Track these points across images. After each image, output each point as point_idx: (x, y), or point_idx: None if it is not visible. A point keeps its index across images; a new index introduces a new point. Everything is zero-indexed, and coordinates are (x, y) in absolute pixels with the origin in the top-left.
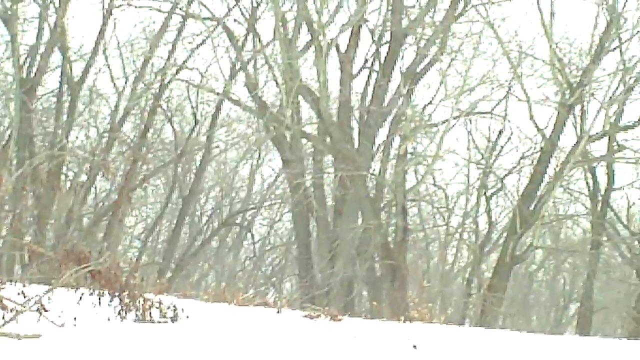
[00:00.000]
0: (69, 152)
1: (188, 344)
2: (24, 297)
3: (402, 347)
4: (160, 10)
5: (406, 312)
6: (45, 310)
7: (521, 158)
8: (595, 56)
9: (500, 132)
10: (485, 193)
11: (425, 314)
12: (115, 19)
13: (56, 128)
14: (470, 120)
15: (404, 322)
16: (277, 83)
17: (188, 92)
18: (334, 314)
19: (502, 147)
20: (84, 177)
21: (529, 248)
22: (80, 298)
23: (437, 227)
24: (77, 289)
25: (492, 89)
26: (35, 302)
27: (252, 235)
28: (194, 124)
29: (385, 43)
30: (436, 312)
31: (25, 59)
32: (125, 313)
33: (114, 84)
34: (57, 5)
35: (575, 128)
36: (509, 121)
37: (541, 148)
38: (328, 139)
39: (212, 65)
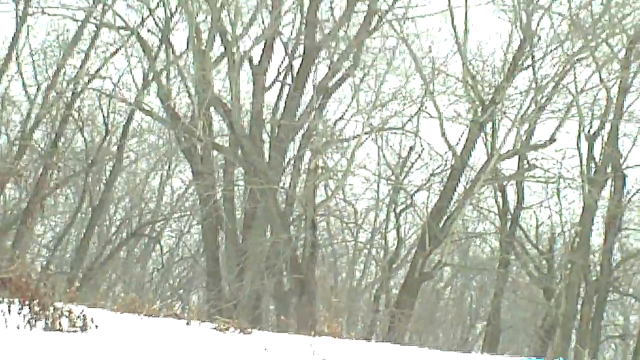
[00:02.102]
0: None
1: (97, 355)
2: None
3: None
4: (74, 19)
5: (314, 326)
6: None
7: (431, 175)
8: (508, 74)
9: (411, 148)
10: (394, 209)
11: (335, 328)
12: (28, 26)
13: None
14: (382, 136)
15: (313, 336)
16: (189, 94)
17: (100, 101)
18: (243, 326)
19: (412, 163)
20: None
21: (437, 265)
22: None
23: (346, 242)
24: None
25: (405, 104)
26: None
27: (161, 247)
28: (105, 133)
29: (299, 57)
30: (344, 327)
31: None
32: (35, 322)
33: (26, 91)
34: None
35: (486, 146)
36: (420, 138)
37: (452, 165)
38: (239, 152)
39: (125, 74)
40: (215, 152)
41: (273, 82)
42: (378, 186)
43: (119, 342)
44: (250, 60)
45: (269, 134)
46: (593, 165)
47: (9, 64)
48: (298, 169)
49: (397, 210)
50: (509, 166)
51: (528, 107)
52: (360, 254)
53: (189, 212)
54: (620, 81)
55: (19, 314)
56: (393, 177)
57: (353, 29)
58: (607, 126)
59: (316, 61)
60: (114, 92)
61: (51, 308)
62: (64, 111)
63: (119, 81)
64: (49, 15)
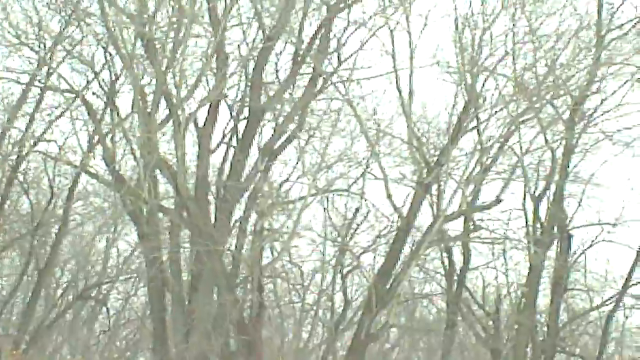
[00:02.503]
0: None
1: None
2: None
3: None
4: (18, 82)
5: None
6: None
7: (377, 236)
8: (453, 136)
9: (357, 210)
10: (341, 270)
11: None
12: None
13: None
14: (328, 198)
15: None
16: (134, 156)
17: (45, 164)
18: None
19: (358, 225)
20: None
21: (384, 326)
22: None
23: (293, 303)
24: None
25: (350, 166)
26: None
27: (107, 309)
28: (50, 196)
29: (244, 119)
30: None
31: None
32: None
33: None
34: None
35: (432, 207)
36: (365, 199)
37: (398, 227)
38: (185, 214)
39: (70, 137)
40: (161, 214)
41: (218, 144)
42: (324, 248)
43: None
44: (196, 123)
45: (215, 195)
46: (539, 225)
47: None
48: (244, 230)
49: (344, 272)
50: (455, 227)
51: (473, 169)
52: (307, 315)
53: (135, 275)
54: (565, 142)
55: None
56: (339, 239)
57: (298, 90)
58: (553, 187)
59: (261, 123)
60: (59, 155)
61: None
62: (9, 174)
63: (64, 144)
64: None
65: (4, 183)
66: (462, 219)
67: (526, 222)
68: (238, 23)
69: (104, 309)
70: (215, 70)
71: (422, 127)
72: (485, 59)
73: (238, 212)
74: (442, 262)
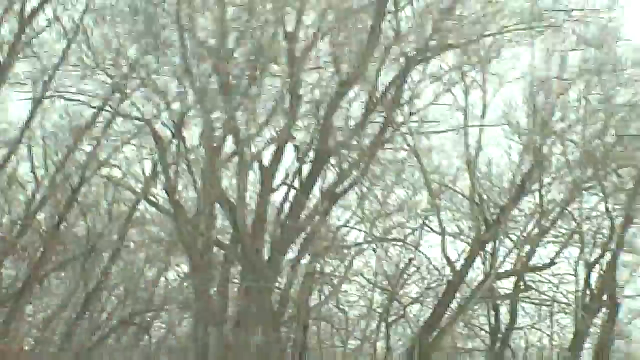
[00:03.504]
0: None
1: None
2: None
3: None
4: (90, 105)
5: None
6: None
7: (427, 288)
8: (514, 196)
9: (410, 260)
10: (386, 319)
11: None
12: (44, 109)
13: None
14: (382, 245)
15: None
16: (196, 188)
17: (106, 188)
18: None
19: (409, 275)
20: None
21: None
22: None
23: (335, 347)
24: None
25: (409, 217)
26: None
27: (150, 337)
28: (108, 220)
29: (309, 161)
30: None
31: None
32: None
33: (34, 172)
34: None
35: (485, 263)
36: (420, 251)
37: (449, 280)
38: (239, 249)
39: (134, 164)
40: (215, 248)
41: (280, 184)
42: (372, 294)
43: None
44: (260, 161)
45: (271, 234)
46: (588, 292)
47: (19, 145)
48: (296, 270)
49: (389, 320)
50: (505, 285)
51: (531, 230)
52: None
53: (181, 305)
54: (626, 212)
55: None
56: (388, 287)
57: (366, 138)
58: (607, 255)
59: (326, 166)
60: (121, 180)
61: None
62: (69, 195)
63: (127, 170)
64: (64, 99)
65: (63, 204)
66: (512, 278)
67: (576, 287)
68: (314, 66)
69: (146, 336)
70: (286, 111)
71: (485, 184)
72: (556, 123)
73: (291, 253)
74: (488, 319)
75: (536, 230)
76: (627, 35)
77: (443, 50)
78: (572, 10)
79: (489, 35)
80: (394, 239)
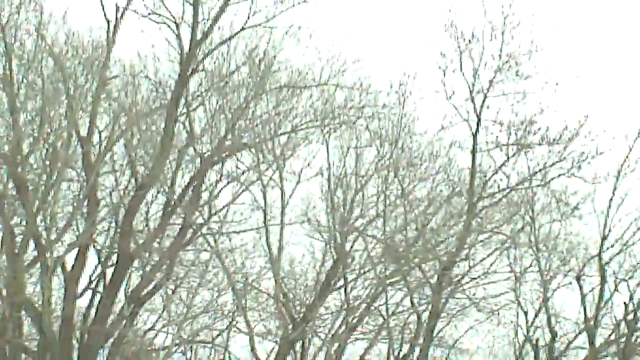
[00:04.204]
0: None
1: None
2: None
3: None
4: None
5: None
6: None
7: None
8: (320, 293)
9: None
10: None
11: None
12: None
13: None
14: (192, 348)
15: None
16: (0, 295)
17: None
18: None
19: None
20: None
21: None
22: None
23: None
24: None
25: (215, 318)
26: None
27: None
28: None
29: (112, 265)
30: None
31: None
32: None
33: None
34: None
35: None
36: (229, 352)
37: None
38: (48, 356)
39: None
40: (24, 355)
41: (85, 289)
42: None
43: None
44: (63, 266)
45: (79, 339)
46: None
47: None
48: None
49: None
50: None
51: (339, 327)
52: None
53: None
54: (432, 306)
55: None
56: None
57: (167, 240)
58: (417, 350)
59: (129, 270)
60: None
61: None
62: None
63: None
64: None
65: None
66: None
67: None
68: (111, 170)
69: None
70: (85, 215)
71: (290, 282)
72: (356, 220)
73: (101, 358)
74: None
75: (344, 328)
76: (420, 130)
77: (238, 150)
78: (364, 107)
79: (282, 134)
80: (202, 341)
